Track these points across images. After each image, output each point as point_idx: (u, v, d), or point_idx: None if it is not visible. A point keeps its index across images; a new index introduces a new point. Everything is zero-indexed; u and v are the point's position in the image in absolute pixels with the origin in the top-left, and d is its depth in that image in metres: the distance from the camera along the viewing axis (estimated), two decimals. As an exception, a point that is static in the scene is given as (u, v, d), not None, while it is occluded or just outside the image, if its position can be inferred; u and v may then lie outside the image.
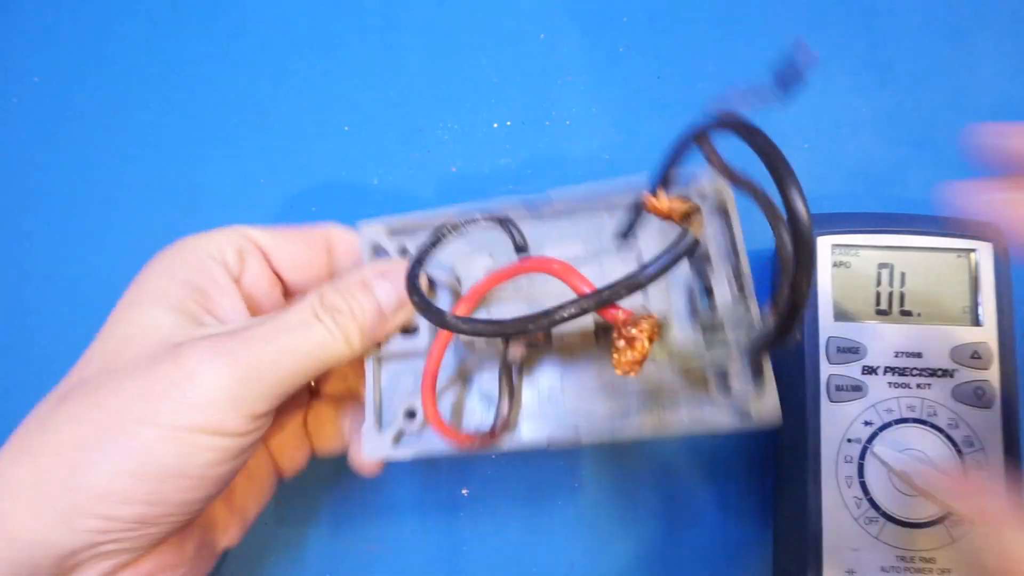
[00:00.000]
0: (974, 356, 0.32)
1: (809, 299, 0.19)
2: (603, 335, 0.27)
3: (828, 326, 0.33)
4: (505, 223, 0.27)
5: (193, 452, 0.23)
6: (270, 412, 0.25)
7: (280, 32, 0.41)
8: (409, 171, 0.40)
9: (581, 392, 0.27)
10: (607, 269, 0.26)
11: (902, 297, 0.33)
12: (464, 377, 0.28)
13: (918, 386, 0.32)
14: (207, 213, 0.40)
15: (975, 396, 0.32)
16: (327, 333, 0.25)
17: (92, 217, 0.40)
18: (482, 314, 0.27)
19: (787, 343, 0.21)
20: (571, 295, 0.24)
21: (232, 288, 0.28)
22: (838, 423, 0.32)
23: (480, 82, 0.40)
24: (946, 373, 0.32)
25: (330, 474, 0.37)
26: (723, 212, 0.28)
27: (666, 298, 0.26)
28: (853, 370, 0.32)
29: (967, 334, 0.32)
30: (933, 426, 0.31)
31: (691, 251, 0.22)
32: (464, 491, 0.37)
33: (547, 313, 0.22)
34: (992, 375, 0.32)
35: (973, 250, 0.33)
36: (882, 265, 0.33)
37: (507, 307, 0.26)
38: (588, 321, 0.25)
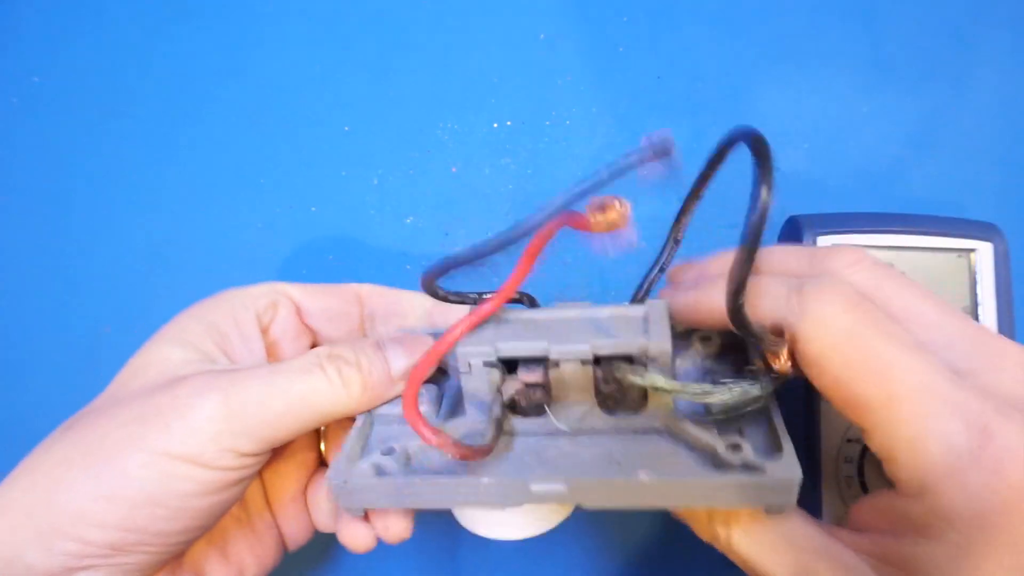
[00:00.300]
0: (974, 356, 0.32)
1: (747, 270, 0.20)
2: (606, 400, 0.26)
3: (828, 326, 0.33)
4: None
5: (170, 480, 0.23)
6: (259, 454, 0.24)
7: (280, 32, 0.41)
8: (409, 171, 0.40)
9: (583, 455, 0.25)
10: (611, 327, 0.25)
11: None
12: (454, 413, 0.27)
13: (918, 386, 0.32)
14: (207, 213, 0.40)
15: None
16: (325, 380, 0.25)
17: (92, 217, 0.40)
18: (487, 334, 0.25)
19: (743, 324, 0.21)
20: (578, 336, 0.25)
21: (256, 335, 0.28)
22: (838, 423, 0.32)
23: (480, 82, 0.40)
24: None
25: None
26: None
27: (667, 337, 0.25)
28: (853, 370, 0.32)
29: (967, 334, 0.32)
30: (933, 426, 0.31)
31: (666, 151, 0.21)
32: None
33: (521, 222, 0.22)
34: (992, 375, 0.32)
35: (973, 250, 0.33)
36: (882, 265, 0.33)
37: (513, 334, 0.26)
38: (584, 348, 0.24)
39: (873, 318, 0.21)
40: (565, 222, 0.21)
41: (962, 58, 0.40)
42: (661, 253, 0.29)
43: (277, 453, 0.29)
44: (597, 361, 0.25)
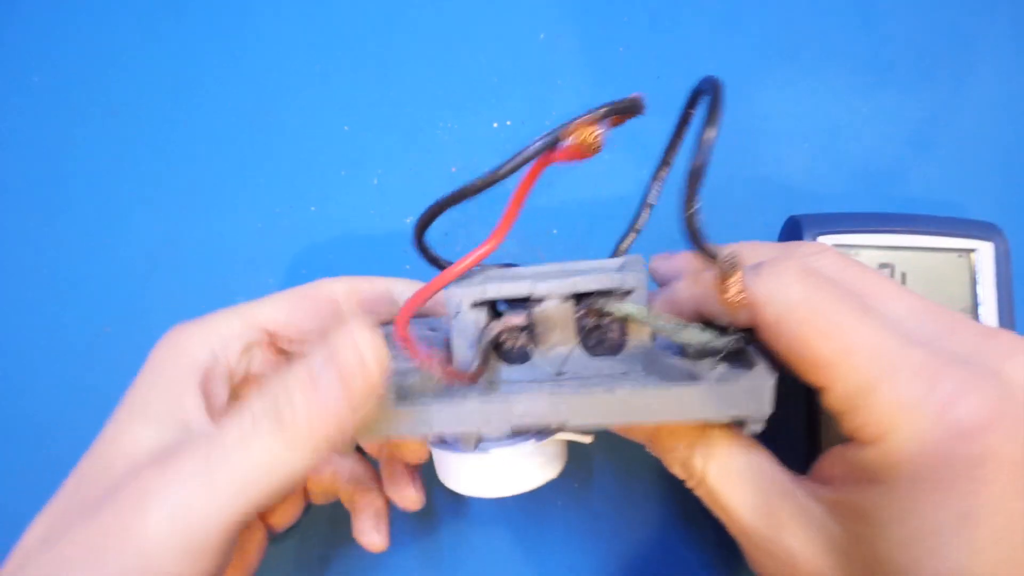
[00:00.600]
0: (974, 356, 0.32)
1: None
2: (587, 337, 0.27)
3: (828, 326, 0.33)
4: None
5: None
6: (223, 552, 0.22)
7: (280, 32, 0.41)
8: (409, 171, 0.40)
9: (566, 382, 0.26)
10: (590, 271, 0.27)
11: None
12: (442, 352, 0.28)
13: (918, 386, 0.32)
14: (207, 213, 0.40)
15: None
16: (267, 454, 0.21)
17: (92, 217, 0.40)
18: (475, 282, 0.27)
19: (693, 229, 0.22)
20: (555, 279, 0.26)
21: (224, 385, 0.26)
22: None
23: (480, 82, 0.40)
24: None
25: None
26: None
27: (643, 273, 0.26)
28: (853, 370, 0.32)
29: (967, 334, 0.32)
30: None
31: (635, 109, 0.23)
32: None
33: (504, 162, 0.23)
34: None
35: (973, 250, 0.33)
36: (882, 265, 0.33)
37: (498, 280, 0.27)
38: (566, 283, 0.26)
39: (827, 286, 0.22)
40: (547, 158, 0.23)
41: (962, 58, 0.40)
42: (635, 217, 0.31)
43: None
44: (577, 300, 0.27)
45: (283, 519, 0.32)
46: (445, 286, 0.25)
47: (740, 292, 0.23)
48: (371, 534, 0.32)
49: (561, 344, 0.27)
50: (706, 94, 0.22)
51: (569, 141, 0.22)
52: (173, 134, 0.41)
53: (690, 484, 0.27)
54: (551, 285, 0.26)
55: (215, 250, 0.40)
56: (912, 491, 0.20)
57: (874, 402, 0.21)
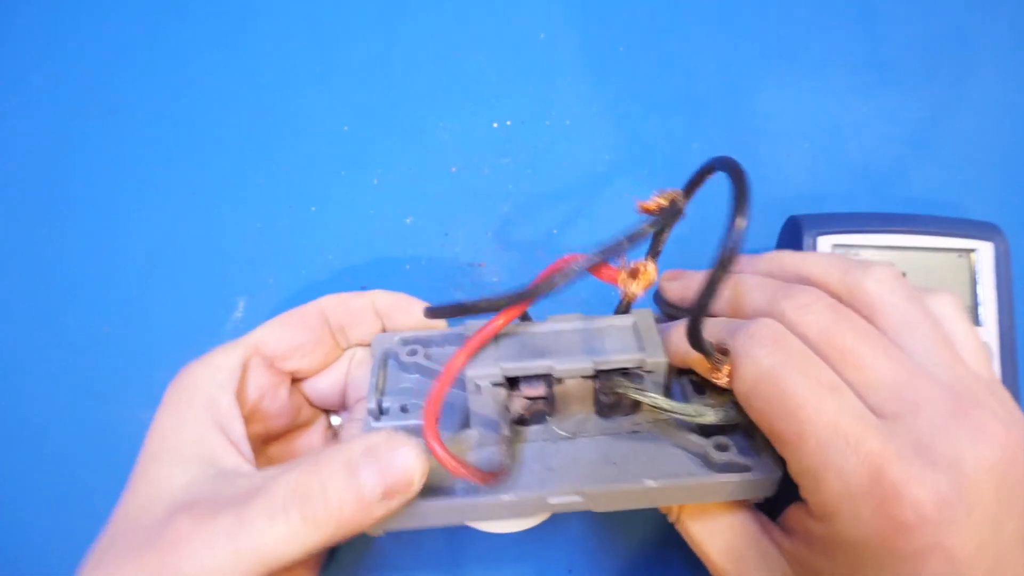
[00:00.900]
0: (975, 356, 0.32)
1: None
2: (603, 408, 0.27)
3: (828, 326, 0.33)
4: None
5: None
6: None
7: (280, 32, 0.41)
8: (409, 171, 0.40)
9: (584, 458, 0.27)
10: (606, 340, 0.27)
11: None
12: (463, 435, 0.28)
13: (918, 386, 0.32)
14: (207, 213, 0.40)
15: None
16: (289, 531, 0.23)
17: (91, 216, 0.40)
18: (490, 355, 0.27)
19: (700, 344, 0.23)
20: (578, 352, 0.27)
21: (237, 416, 0.27)
22: (838, 423, 0.32)
23: (480, 82, 0.40)
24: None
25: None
26: None
27: (661, 350, 0.27)
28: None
29: (967, 334, 0.32)
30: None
31: (676, 215, 0.24)
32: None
33: (551, 279, 0.23)
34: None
35: (973, 250, 0.33)
36: (882, 265, 0.33)
37: (514, 352, 0.27)
38: (587, 365, 0.26)
39: (795, 359, 0.23)
40: (591, 273, 0.24)
41: (962, 58, 0.40)
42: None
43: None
44: (596, 375, 0.27)
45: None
46: (456, 376, 0.26)
47: (727, 378, 0.24)
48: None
49: (578, 412, 0.28)
50: (728, 177, 0.22)
51: (627, 284, 0.24)
52: (173, 134, 0.41)
53: (670, 519, 0.29)
54: (572, 366, 0.26)
55: (215, 250, 0.40)
56: (853, 569, 0.22)
57: (821, 487, 0.22)
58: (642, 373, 0.26)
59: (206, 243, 0.40)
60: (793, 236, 0.34)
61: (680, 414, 0.26)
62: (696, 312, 0.22)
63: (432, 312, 0.28)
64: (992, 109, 0.39)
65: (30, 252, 0.40)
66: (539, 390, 0.27)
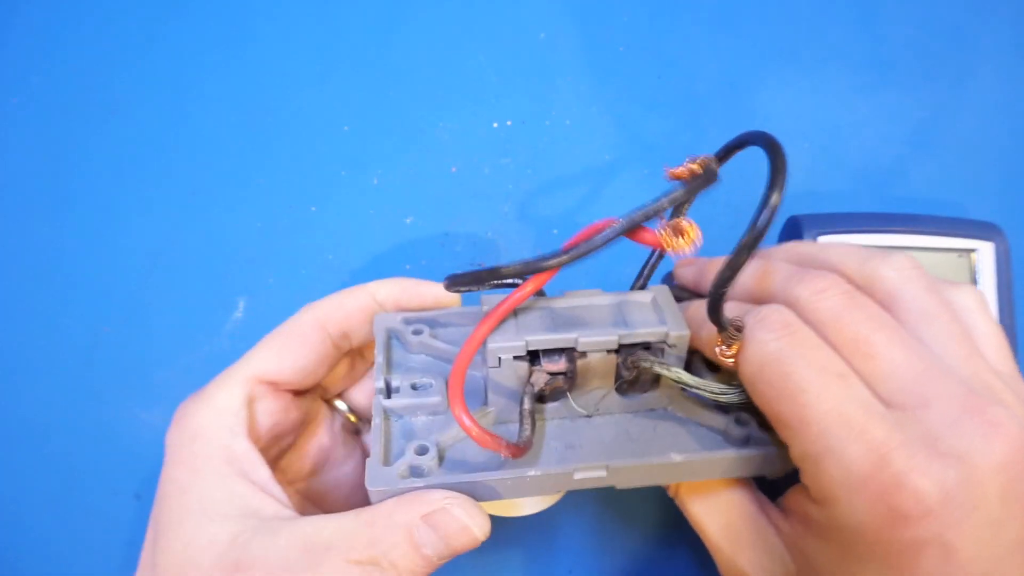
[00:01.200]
0: (975, 356, 0.32)
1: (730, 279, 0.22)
2: (623, 384, 0.27)
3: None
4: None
5: None
6: None
7: (280, 32, 0.41)
8: (409, 171, 0.40)
9: (604, 436, 0.27)
10: (628, 314, 0.27)
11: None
12: (481, 412, 0.28)
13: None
14: (207, 213, 0.40)
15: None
16: None
17: (91, 217, 0.40)
18: (511, 328, 0.26)
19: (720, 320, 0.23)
20: (601, 326, 0.26)
21: (256, 456, 0.27)
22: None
23: (480, 82, 0.40)
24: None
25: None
26: None
27: (684, 325, 0.26)
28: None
29: (968, 334, 0.32)
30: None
31: (710, 180, 0.23)
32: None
33: (590, 240, 0.22)
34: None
35: (973, 250, 0.33)
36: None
37: (537, 325, 0.26)
38: (612, 338, 0.26)
39: (802, 345, 0.23)
40: (628, 236, 0.23)
41: (962, 58, 0.40)
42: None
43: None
44: (618, 349, 0.26)
45: None
46: (480, 345, 0.25)
47: (730, 359, 0.25)
48: None
49: (598, 389, 0.27)
50: (765, 152, 0.22)
51: (670, 242, 0.22)
52: (173, 134, 0.41)
53: (669, 493, 0.29)
54: (597, 339, 0.26)
55: (215, 250, 0.40)
56: (846, 558, 0.22)
57: (821, 472, 0.22)
58: (665, 347, 0.26)
59: (206, 243, 0.40)
60: (793, 236, 0.34)
61: (704, 390, 0.25)
62: (720, 283, 0.22)
63: (453, 280, 0.26)
64: (992, 109, 0.39)
65: (30, 252, 0.40)
66: (560, 365, 0.26)
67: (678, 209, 0.28)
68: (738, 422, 0.26)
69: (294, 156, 0.40)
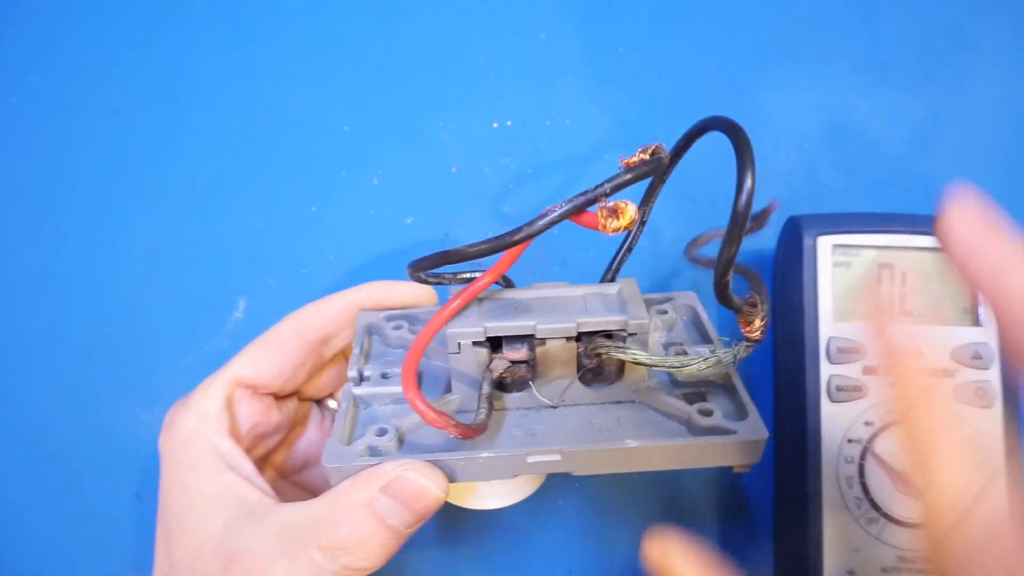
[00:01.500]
0: (975, 356, 0.32)
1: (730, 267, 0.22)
2: (586, 373, 0.27)
3: (829, 326, 0.33)
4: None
5: None
6: None
7: (280, 32, 0.41)
8: (409, 171, 0.40)
9: (567, 425, 0.27)
10: (590, 304, 0.27)
11: (902, 297, 0.33)
12: (444, 399, 0.28)
13: (919, 386, 0.32)
14: (207, 213, 0.40)
15: (976, 396, 0.31)
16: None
17: (91, 217, 0.40)
18: (472, 315, 0.27)
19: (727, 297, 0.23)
20: (561, 314, 0.26)
21: (240, 452, 0.28)
22: (839, 423, 0.32)
23: (480, 82, 0.40)
24: (947, 373, 0.32)
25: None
26: (692, 311, 0.31)
27: (644, 313, 0.27)
28: (854, 370, 0.32)
29: (968, 334, 0.32)
30: (934, 426, 0.31)
31: (658, 165, 0.24)
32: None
33: (534, 223, 0.23)
34: (993, 375, 0.32)
35: (973, 250, 0.33)
36: (882, 265, 0.33)
37: (498, 313, 0.27)
38: (570, 326, 0.26)
39: None
40: (572, 219, 0.23)
41: (962, 57, 0.40)
42: (628, 234, 0.31)
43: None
44: (579, 338, 0.27)
45: None
46: (440, 328, 0.26)
47: (758, 331, 0.25)
48: None
49: (561, 377, 0.28)
50: (729, 139, 0.22)
51: (608, 223, 0.23)
52: (173, 134, 0.41)
53: None
54: (556, 326, 0.26)
55: (215, 250, 0.40)
56: None
57: None
58: (624, 335, 0.26)
59: (206, 243, 0.40)
60: (793, 236, 0.34)
61: (661, 366, 0.25)
62: (721, 274, 0.22)
63: (415, 265, 0.27)
64: (992, 109, 0.39)
65: (30, 252, 0.40)
66: (521, 353, 0.27)
67: (648, 197, 0.29)
68: (702, 413, 0.26)
69: (294, 156, 0.40)
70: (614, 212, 0.22)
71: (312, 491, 0.34)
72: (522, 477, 0.29)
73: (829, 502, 0.32)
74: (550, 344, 0.27)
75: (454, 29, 0.41)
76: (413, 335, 0.30)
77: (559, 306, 0.27)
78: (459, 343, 0.26)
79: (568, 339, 0.26)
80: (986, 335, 0.32)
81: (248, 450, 0.29)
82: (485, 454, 0.25)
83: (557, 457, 0.25)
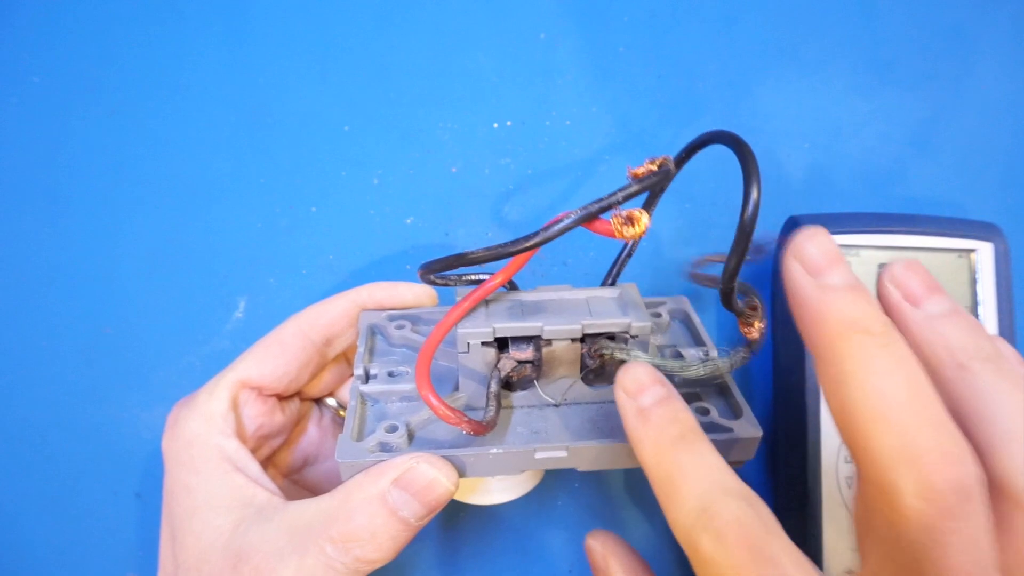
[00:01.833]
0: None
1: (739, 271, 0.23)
2: (588, 373, 0.28)
3: (828, 326, 0.33)
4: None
5: None
6: None
7: (280, 32, 0.41)
8: (409, 171, 0.40)
9: (571, 423, 0.28)
10: (593, 307, 0.28)
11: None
12: (452, 396, 0.29)
13: (918, 386, 0.32)
14: (207, 213, 0.40)
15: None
16: (353, 571, 0.24)
17: (92, 217, 0.40)
18: (481, 316, 0.27)
19: (733, 305, 0.24)
20: (567, 316, 0.27)
21: (246, 454, 0.29)
22: (838, 423, 0.32)
23: (480, 82, 0.40)
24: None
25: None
26: (684, 314, 0.33)
27: (646, 316, 0.28)
28: (853, 370, 0.32)
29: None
30: (933, 426, 0.31)
31: (666, 176, 0.24)
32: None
33: (545, 228, 0.24)
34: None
35: (973, 250, 0.33)
36: (882, 265, 0.33)
37: (505, 314, 0.28)
38: (575, 327, 0.27)
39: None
40: (585, 226, 0.24)
41: (962, 58, 0.40)
42: (627, 244, 0.32)
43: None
44: (583, 339, 0.28)
45: None
46: (451, 329, 0.27)
47: (758, 333, 0.26)
48: None
49: (564, 376, 0.29)
50: (734, 152, 0.22)
51: (622, 230, 0.24)
52: (173, 134, 0.41)
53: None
54: (562, 327, 0.27)
55: (215, 250, 0.40)
56: None
57: None
58: (627, 337, 0.27)
59: (206, 243, 0.40)
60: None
61: (662, 368, 0.26)
62: (727, 280, 0.23)
63: (427, 267, 0.28)
64: (992, 109, 0.39)
65: (30, 252, 0.40)
66: (527, 353, 0.28)
67: (649, 203, 0.29)
68: (699, 412, 0.27)
69: (294, 156, 0.40)
70: (629, 220, 0.23)
71: (313, 489, 0.34)
72: (524, 473, 0.29)
73: (829, 502, 0.32)
74: (556, 345, 0.28)
75: (454, 29, 0.41)
76: (416, 334, 0.31)
77: (564, 308, 0.28)
78: (468, 343, 0.27)
79: (573, 340, 0.28)
80: (986, 335, 0.32)
81: (253, 451, 0.29)
82: (495, 450, 0.26)
83: (563, 453, 0.26)
